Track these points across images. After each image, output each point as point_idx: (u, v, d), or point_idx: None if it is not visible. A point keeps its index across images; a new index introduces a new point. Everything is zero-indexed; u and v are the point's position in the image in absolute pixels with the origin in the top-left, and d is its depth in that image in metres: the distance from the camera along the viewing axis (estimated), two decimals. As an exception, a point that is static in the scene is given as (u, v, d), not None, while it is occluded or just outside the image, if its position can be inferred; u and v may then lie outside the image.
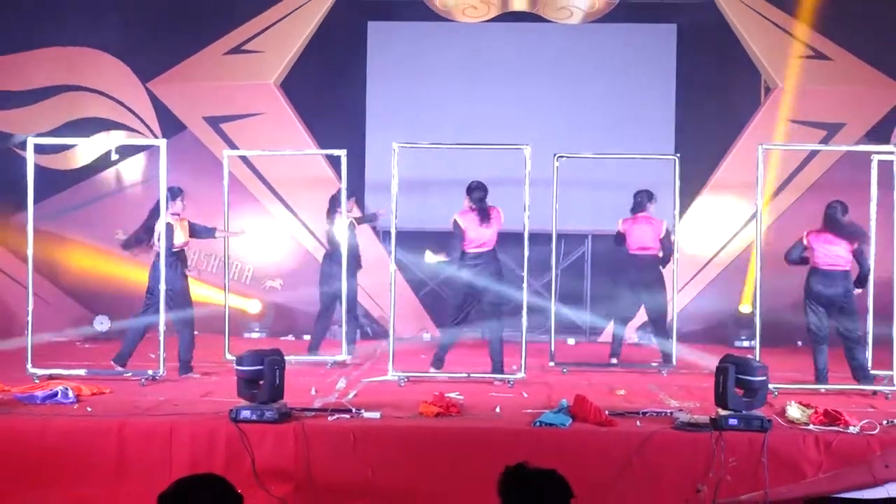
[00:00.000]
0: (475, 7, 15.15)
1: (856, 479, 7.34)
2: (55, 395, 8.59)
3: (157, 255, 10.44)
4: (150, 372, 9.93)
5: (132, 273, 14.13)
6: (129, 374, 10.05)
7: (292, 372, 9.69)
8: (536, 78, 15.07)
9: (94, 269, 14.46)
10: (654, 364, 11.47)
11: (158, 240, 10.37)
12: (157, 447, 7.59)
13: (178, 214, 10.69)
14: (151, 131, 14.86)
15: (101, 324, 13.96)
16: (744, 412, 7.61)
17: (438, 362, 10.71)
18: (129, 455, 7.58)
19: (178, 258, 10.66)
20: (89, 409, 8.26)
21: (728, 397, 7.69)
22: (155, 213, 10.52)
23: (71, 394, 8.64)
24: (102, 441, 7.62)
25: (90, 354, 12.17)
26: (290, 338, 13.92)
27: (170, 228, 10.43)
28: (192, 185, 13.09)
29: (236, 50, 14.83)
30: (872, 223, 10.37)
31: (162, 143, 10.38)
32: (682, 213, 12.16)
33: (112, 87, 14.93)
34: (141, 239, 10.66)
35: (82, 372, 9.97)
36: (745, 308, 13.95)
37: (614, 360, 11.73)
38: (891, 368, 9.90)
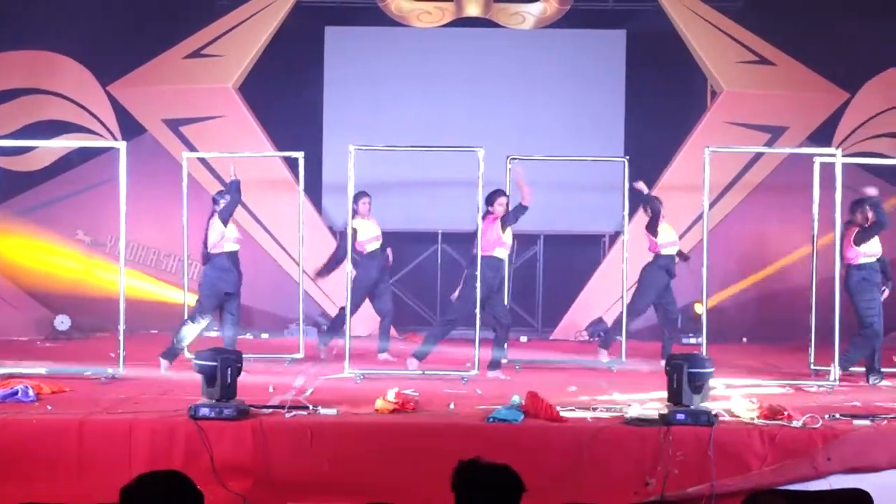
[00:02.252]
0: (430, 13, 15.20)
1: (799, 472, 7.50)
2: (15, 393, 8.55)
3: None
4: (109, 370, 9.93)
5: (92, 274, 14.26)
6: (90, 373, 10.03)
7: (250, 370, 9.81)
8: (490, 82, 15.15)
9: (55, 269, 14.51)
10: (604, 361, 11.66)
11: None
12: (117, 444, 7.61)
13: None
14: (111, 134, 14.82)
15: (62, 323, 13.98)
16: (691, 407, 7.74)
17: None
18: (89, 452, 7.60)
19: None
20: (49, 408, 8.26)
21: (682, 393, 7.85)
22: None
23: (31, 392, 8.62)
24: (63, 439, 7.63)
25: (50, 353, 12.14)
26: (248, 336, 13.93)
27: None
28: (151, 187, 13.23)
29: (195, 54, 14.84)
30: (815, 224, 10.55)
31: (122, 145, 10.43)
32: (631, 213, 12.35)
33: (72, 90, 14.90)
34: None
35: (43, 370, 9.92)
36: (699, 308, 14.17)
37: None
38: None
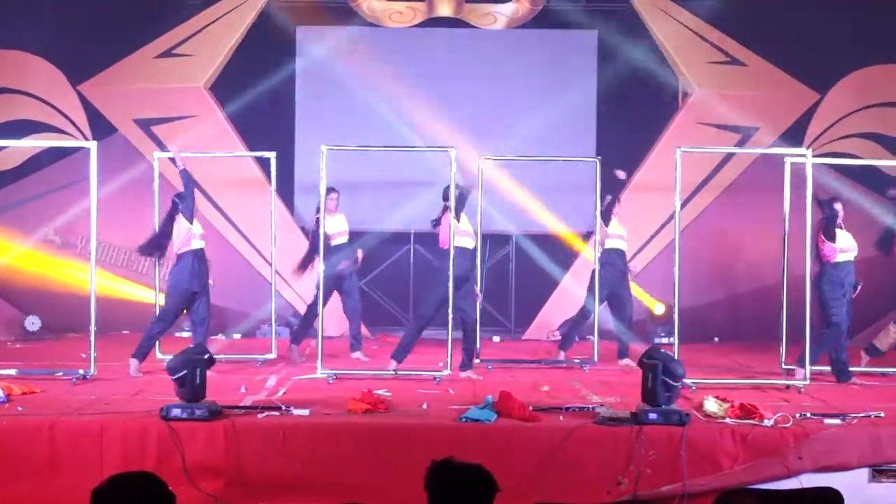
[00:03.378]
0: (401, 13, 15.21)
1: (770, 471, 7.53)
2: (-15, 395, 8.50)
3: None
4: (80, 371, 9.88)
5: (63, 274, 14.16)
6: (61, 374, 9.99)
7: (222, 370, 9.78)
8: (462, 82, 15.15)
9: (26, 269, 14.45)
10: (576, 361, 11.69)
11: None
12: (89, 445, 7.57)
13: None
14: (82, 133, 14.76)
15: (32, 324, 13.91)
16: (663, 407, 7.77)
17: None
18: (60, 453, 7.55)
19: None
20: (20, 409, 8.19)
21: (657, 393, 7.85)
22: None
23: (1, 393, 8.56)
24: (33, 440, 7.58)
25: (21, 354, 12.08)
26: (221, 337, 13.91)
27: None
28: (122, 187, 13.15)
29: (167, 53, 14.81)
30: (786, 223, 10.56)
31: (92, 145, 10.35)
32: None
33: (42, 89, 14.83)
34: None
35: (13, 372, 9.88)
36: (658, 309, 14.22)
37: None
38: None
